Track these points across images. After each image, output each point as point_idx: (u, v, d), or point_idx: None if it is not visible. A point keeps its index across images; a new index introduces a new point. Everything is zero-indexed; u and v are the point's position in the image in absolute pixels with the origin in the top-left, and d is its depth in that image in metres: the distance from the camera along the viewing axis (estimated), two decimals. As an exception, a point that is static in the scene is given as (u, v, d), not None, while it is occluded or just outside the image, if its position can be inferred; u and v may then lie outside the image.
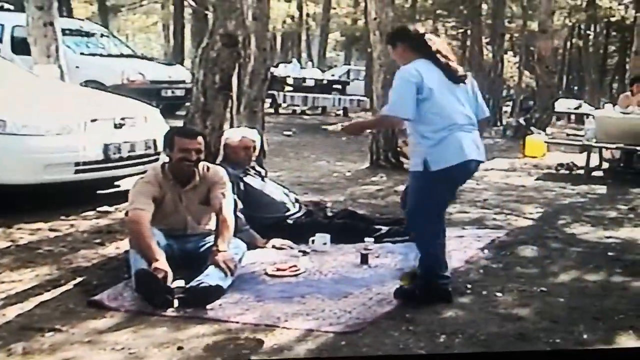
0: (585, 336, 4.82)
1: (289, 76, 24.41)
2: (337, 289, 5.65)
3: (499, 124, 24.40)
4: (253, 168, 7.25)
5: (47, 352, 4.41)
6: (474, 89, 5.83)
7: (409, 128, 5.52)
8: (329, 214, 7.66)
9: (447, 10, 36.43)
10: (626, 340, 4.78)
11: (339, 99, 24.98)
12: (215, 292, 5.32)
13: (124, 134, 8.48)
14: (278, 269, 6.06)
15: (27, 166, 7.65)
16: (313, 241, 6.73)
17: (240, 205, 6.68)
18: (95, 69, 17.23)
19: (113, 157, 8.26)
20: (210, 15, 8.41)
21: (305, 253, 6.49)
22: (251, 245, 6.47)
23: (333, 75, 32.04)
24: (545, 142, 15.57)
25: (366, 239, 6.63)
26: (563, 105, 26.53)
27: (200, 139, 6.07)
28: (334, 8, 42.29)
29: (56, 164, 7.79)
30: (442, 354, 4.34)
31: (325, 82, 26.10)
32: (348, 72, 38.43)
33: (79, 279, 5.78)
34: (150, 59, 22.68)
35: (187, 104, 17.51)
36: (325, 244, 6.73)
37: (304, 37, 45.73)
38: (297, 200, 7.49)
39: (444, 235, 5.63)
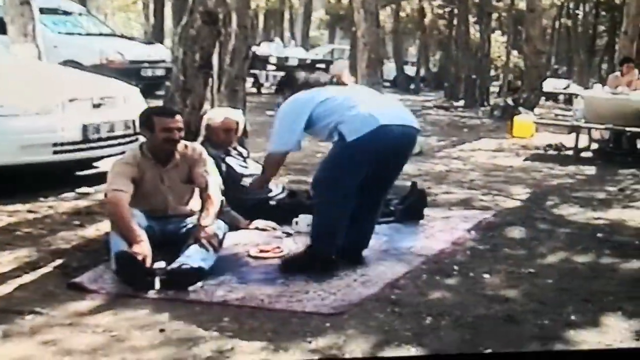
0: (573, 317, 4.78)
1: (271, 55, 24.32)
2: (327, 270, 5.54)
3: (486, 104, 24.41)
4: (235, 149, 7.15)
5: (27, 334, 4.35)
6: None
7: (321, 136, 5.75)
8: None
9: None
10: (615, 322, 4.73)
11: (323, 78, 24.87)
12: (197, 274, 5.24)
13: (103, 114, 8.37)
14: (261, 251, 5.99)
15: (3, 147, 7.51)
16: (297, 222, 6.65)
17: (221, 186, 6.58)
18: (74, 49, 17.07)
19: (92, 138, 8.15)
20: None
21: (288, 234, 6.47)
22: (233, 227, 6.39)
23: (317, 55, 31.98)
24: (534, 122, 15.52)
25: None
26: (551, 85, 26.57)
27: (179, 117, 5.98)
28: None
29: (34, 145, 7.67)
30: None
31: (308, 61, 26.02)
32: (332, 51, 38.39)
33: (58, 261, 5.69)
34: (130, 38, 22.52)
35: (168, 83, 17.51)
36: (309, 225, 6.62)
37: (287, 16, 45.58)
38: (281, 183, 7.41)
39: (353, 208, 5.63)
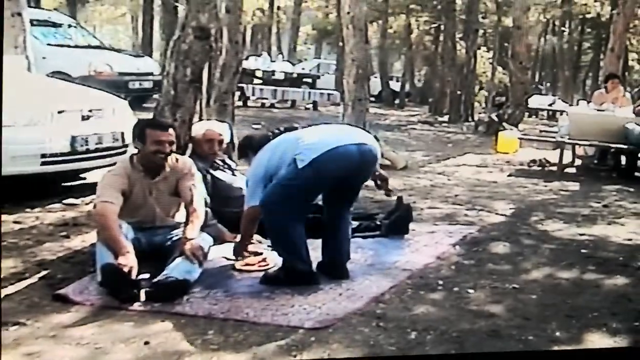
0: (557, 334, 4.79)
1: (258, 69, 24.35)
2: (306, 284, 5.57)
3: (470, 119, 24.49)
4: (222, 161, 7.15)
5: (12, 346, 4.33)
6: None
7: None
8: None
9: (421, 5, 36.46)
10: (599, 339, 4.76)
11: (309, 93, 25.03)
12: (182, 287, 5.25)
13: (92, 126, 8.37)
14: (247, 264, 5.99)
15: (-9, 157, 7.50)
16: (283, 236, 6.64)
17: (207, 199, 6.59)
18: (62, 60, 17.05)
19: (80, 149, 8.15)
20: (180, 7, 8.26)
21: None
22: (219, 240, 6.39)
23: (303, 69, 32.02)
24: (518, 138, 15.58)
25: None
26: (537, 101, 26.69)
27: (171, 130, 6.00)
28: (306, 1, 42.25)
29: (22, 156, 7.66)
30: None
31: (295, 75, 26.09)
32: (318, 65, 38.43)
33: (44, 272, 5.68)
34: (118, 51, 22.50)
35: (155, 96, 17.50)
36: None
37: (274, 30, 45.61)
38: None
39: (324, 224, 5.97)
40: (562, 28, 41.95)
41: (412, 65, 40.32)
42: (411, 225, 7.26)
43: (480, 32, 32.18)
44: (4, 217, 7.11)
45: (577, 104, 16.42)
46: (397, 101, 34.55)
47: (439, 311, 5.14)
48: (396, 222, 7.18)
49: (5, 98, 7.90)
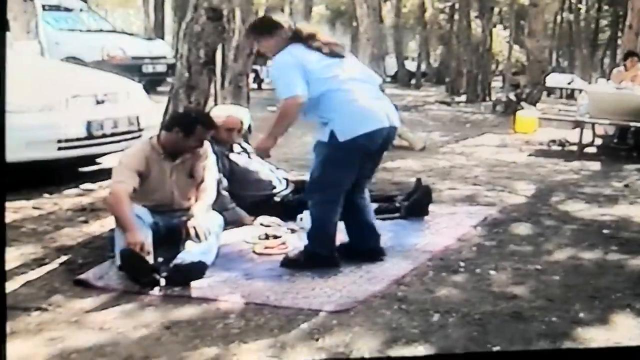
0: (581, 315, 4.74)
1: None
2: (327, 267, 5.55)
3: (488, 99, 24.36)
4: (239, 144, 7.12)
5: (34, 332, 4.35)
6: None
7: (311, 116, 5.54)
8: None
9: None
10: (623, 319, 4.71)
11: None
12: (199, 269, 5.23)
13: (107, 111, 8.37)
14: (266, 247, 5.99)
15: (8, 144, 7.46)
16: (301, 219, 6.62)
17: (225, 183, 6.58)
18: (76, 45, 17.11)
19: (96, 134, 8.15)
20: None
21: (293, 231, 6.44)
22: (238, 224, 6.40)
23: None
24: (537, 117, 15.47)
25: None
26: (555, 80, 26.52)
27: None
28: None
29: (38, 142, 7.68)
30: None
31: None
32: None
33: (64, 258, 5.70)
34: (131, 35, 22.52)
35: (169, 79, 17.50)
36: (313, 221, 6.64)
37: (287, 11, 45.45)
38: (285, 179, 7.37)
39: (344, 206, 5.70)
40: (579, 5, 41.68)
41: (428, 45, 40.21)
42: (431, 207, 7.21)
43: (496, 10, 32.03)
44: (23, 202, 7.17)
45: (596, 82, 16.28)
46: (413, 81, 34.47)
47: (460, 293, 5.11)
48: (415, 204, 7.13)
49: (19, 83, 7.95)
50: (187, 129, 5.84)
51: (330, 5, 46.77)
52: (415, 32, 45.20)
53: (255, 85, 22.42)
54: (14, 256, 5.63)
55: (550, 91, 27.22)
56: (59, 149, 7.86)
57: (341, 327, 4.46)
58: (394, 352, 4.15)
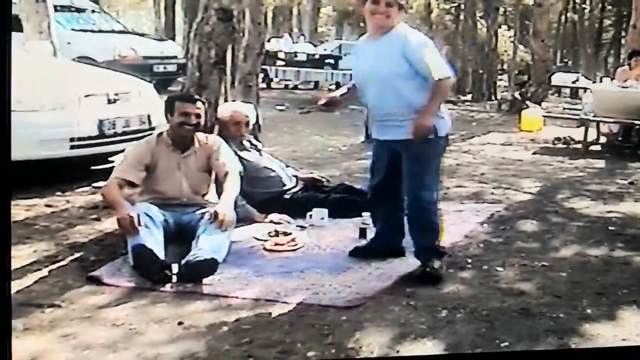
0: (588, 311, 4.79)
1: (280, 51, 24.36)
2: (336, 264, 5.63)
3: (493, 98, 24.39)
4: (249, 142, 7.19)
5: (47, 328, 4.38)
6: None
7: (413, 97, 5.22)
8: (326, 188, 7.58)
9: (441, -16, 36.30)
10: (630, 316, 4.75)
11: (332, 74, 24.97)
12: (210, 266, 5.28)
13: (118, 109, 8.43)
14: (276, 244, 6.03)
15: (22, 142, 7.54)
16: (311, 216, 6.69)
17: (241, 173, 6.64)
18: (87, 45, 17.15)
19: (108, 133, 8.20)
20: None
21: (303, 228, 6.49)
22: (248, 221, 6.46)
23: (325, 50, 31.98)
24: (542, 116, 15.51)
25: (364, 213, 6.53)
26: (560, 79, 26.50)
27: (199, 104, 6.16)
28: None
29: (51, 140, 7.74)
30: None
31: (317, 56, 26.07)
32: (340, 46, 38.31)
33: (76, 255, 5.74)
34: (142, 35, 22.58)
35: (179, 78, 17.55)
36: (322, 218, 6.70)
37: (295, 12, 45.54)
38: (295, 176, 7.43)
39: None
40: (583, 5, 41.65)
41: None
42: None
43: (501, 10, 32.00)
44: (36, 200, 7.22)
45: (601, 82, 16.30)
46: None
47: (468, 289, 5.15)
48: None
49: (32, 83, 8.03)
50: (169, 109, 6.07)
51: (337, 6, 46.67)
52: (421, 32, 45.07)
53: (264, 85, 22.50)
54: (27, 253, 5.69)
55: (555, 90, 27.18)
56: (72, 147, 7.91)
57: (351, 323, 4.49)
58: (403, 348, 4.18)
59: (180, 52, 19.79)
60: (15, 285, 5.00)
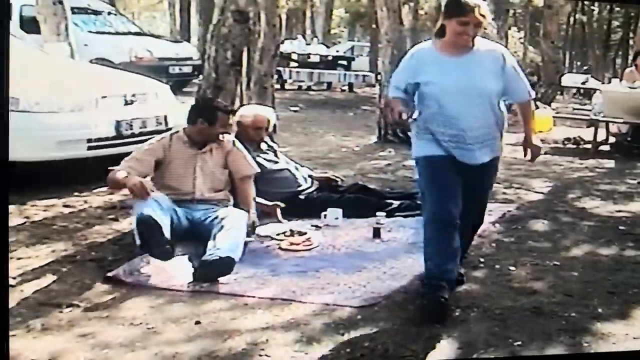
0: (600, 310, 4.83)
1: (294, 52, 24.41)
2: (351, 263, 5.67)
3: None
4: (266, 143, 7.23)
5: (66, 327, 4.42)
6: None
7: (500, 115, 5.15)
8: (341, 188, 7.63)
9: (452, -14, 36.15)
10: (642, 314, 4.79)
11: (344, 75, 25.04)
12: (227, 265, 5.32)
13: (135, 110, 8.47)
14: (292, 243, 6.08)
15: (40, 143, 7.63)
16: (325, 216, 6.75)
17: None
18: (104, 47, 17.19)
19: (125, 134, 8.25)
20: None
21: (318, 228, 6.55)
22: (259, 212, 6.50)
23: (338, 52, 32.01)
24: (552, 116, 15.51)
25: (378, 213, 6.59)
26: (570, 80, 26.44)
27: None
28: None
29: (69, 141, 7.78)
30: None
31: (330, 58, 26.10)
32: (352, 48, 38.36)
33: (94, 255, 5.78)
34: (158, 37, 22.64)
35: (195, 80, 17.60)
36: (337, 218, 6.75)
37: (308, 14, 45.52)
38: (310, 176, 7.49)
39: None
40: (592, 7, 41.56)
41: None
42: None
43: (511, 12, 31.95)
44: (54, 201, 7.27)
45: (610, 83, 16.29)
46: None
47: (481, 288, 5.20)
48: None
49: (51, 85, 8.11)
50: (209, 117, 6.13)
51: (349, 8, 46.63)
52: (433, 34, 45.05)
53: (278, 86, 22.57)
54: (45, 253, 5.75)
55: (562, 90, 27.15)
56: (89, 148, 7.96)
57: (366, 322, 4.55)
58: (418, 346, 4.22)
59: (196, 53, 19.84)
60: (34, 285, 5.07)
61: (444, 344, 4.29)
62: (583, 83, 27.12)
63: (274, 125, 7.81)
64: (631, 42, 34.03)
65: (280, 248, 6.03)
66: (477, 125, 4.94)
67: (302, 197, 7.14)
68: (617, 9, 43.62)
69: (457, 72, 4.87)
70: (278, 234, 6.28)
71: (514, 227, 6.90)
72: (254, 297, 4.96)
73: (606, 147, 12.57)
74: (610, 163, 11.17)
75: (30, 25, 13.45)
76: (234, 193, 6.27)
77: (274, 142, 7.54)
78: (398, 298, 4.98)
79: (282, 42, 24.33)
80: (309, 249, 6.01)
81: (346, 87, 25.45)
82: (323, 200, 7.05)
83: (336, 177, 7.80)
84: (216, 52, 7.28)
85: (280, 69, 22.27)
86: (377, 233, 6.38)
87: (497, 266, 5.71)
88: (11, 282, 4.89)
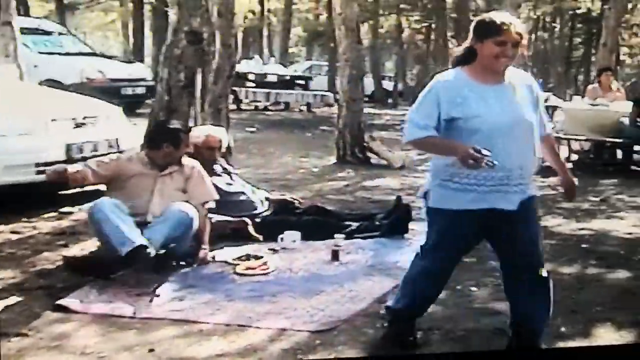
0: (563, 329, 4.79)
1: (251, 72, 24.39)
2: (309, 287, 5.60)
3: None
4: (221, 166, 7.14)
5: (14, 357, 4.32)
6: None
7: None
8: (298, 210, 7.54)
9: (411, 4, 36.47)
10: (605, 333, 4.76)
11: (302, 95, 25.06)
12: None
13: (86, 134, 8.36)
14: (248, 268, 5.98)
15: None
16: (282, 239, 6.64)
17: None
18: (54, 68, 17.04)
19: (75, 157, 8.08)
20: (171, 12, 8.29)
21: (274, 251, 6.45)
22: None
23: (295, 71, 32.05)
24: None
25: (336, 235, 6.52)
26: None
27: None
28: (295, 3, 42.21)
29: (16, 165, 7.66)
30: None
31: (287, 77, 26.12)
32: (310, 67, 38.44)
33: (43, 282, 5.65)
34: (110, 57, 22.47)
35: (148, 101, 17.47)
36: (294, 241, 6.66)
37: (265, 33, 45.64)
38: (267, 199, 7.40)
39: None
40: (553, 24, 42.06)
41: (404, 64, 40.38)
42: (411, 225, 7.21)
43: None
44: (1, 227, 7.13)
45: (571, 100, 16.39)
46: (390, 100, 34.58)
47: (443, 310, 5.12)
48: (395, 222, 7.14)
49: (-1, 107, 7.94)
50: (175, 141, 6.15)
51: (307, 27, 46.83)
52: (392, 52, 45.40)
53: (234, 106, 22.48)
54: (-8, 281, 5.60)
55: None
56: (38, 172, 7.74)
57: (325, 346, 4.47)
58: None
59: (149, 74, 19.75)
60: (-20, 314, 4.93)
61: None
62: (545, 101, 27.31)
63: (229, 147, 7.69)
64: (593, 58, 34.37)
65: (235, 273, 5.92)
66: (524, 164, 4.32)
67: (258, 220, 7.02)
68: (579, 25, 44.23)
69: (501, 103, 4.24)
70: (234, 259, 6.18)
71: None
72: (208, 323, 4.86)
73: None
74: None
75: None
76: None
77: (229, 164, 7.43)
78: (358, 322, 4.90)
79: (239, 62, 24.29)
80: (266, 273, 5.91)
81: (304, 107, 25.43)
82: (280, 223, 6.95)
83: (294, 199, 7.72)
84: (169, 74, 7.20)
85: (237, 89, 22.22)
86: (335, 255, 6.30)
87: (458, 287, 5.63)
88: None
